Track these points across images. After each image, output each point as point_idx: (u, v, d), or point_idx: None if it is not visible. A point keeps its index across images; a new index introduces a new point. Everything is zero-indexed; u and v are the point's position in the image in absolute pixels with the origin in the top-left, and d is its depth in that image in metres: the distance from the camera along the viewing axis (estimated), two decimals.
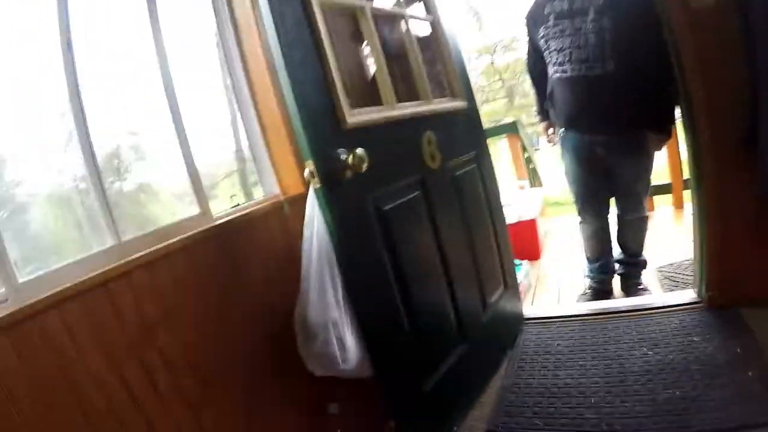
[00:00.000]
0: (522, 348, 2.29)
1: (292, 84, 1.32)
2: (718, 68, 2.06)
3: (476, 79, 17.03)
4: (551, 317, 2.53)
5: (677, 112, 2.31)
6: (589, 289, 2.77)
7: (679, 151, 3.88)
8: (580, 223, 2.71)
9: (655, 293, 2.65)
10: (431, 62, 2.12)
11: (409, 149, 1.73)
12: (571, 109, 2.34)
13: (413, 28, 2.00)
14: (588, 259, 2.78)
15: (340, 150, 1.37)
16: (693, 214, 2.39)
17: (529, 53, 2.69)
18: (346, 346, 1.44)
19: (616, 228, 2.69)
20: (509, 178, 4.84)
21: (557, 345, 2.26)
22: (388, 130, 1.62)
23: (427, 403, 1.69)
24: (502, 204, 3.45)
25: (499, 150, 4.88)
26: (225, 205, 1.83)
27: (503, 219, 2.40)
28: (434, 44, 2.12)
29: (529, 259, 3.47)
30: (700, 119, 2.13)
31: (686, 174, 4.09)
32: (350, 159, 1.36)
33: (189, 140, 1.57)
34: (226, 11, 1.84)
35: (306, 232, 1.44)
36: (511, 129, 4.81)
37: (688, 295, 2.45)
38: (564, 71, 2.30)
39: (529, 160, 4.80)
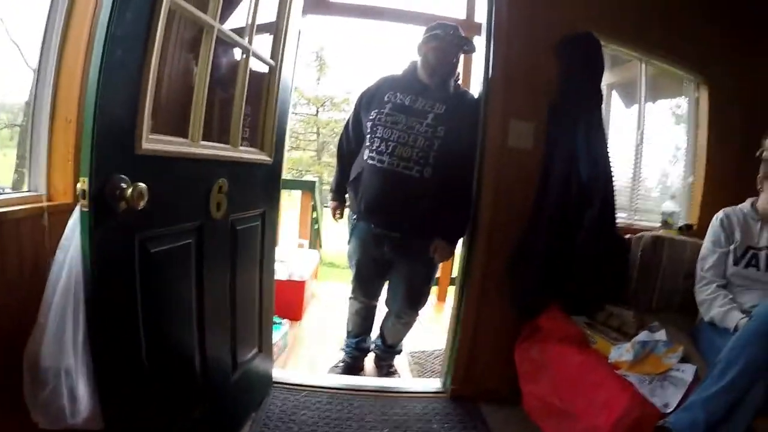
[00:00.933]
0: (267, 412, 2.22)
1: (101, 83, 1.14)
2: (509, 201, 2.44)
3: (295, 124, 17.36)
4: (301, 384, 2.51)
5: None
6: (342, 362, 2.83)
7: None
8: (350, 298, 2.77)
9: (405, 377, 2.83)
10: (255, 106, 2.03)
11: (197, 192, 1.57)
12: (374, 199, 2.32)
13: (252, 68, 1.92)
14: (348, 332, 2.85)
15: (123, 177, 1.20)
16: (452, 314, 2.63)
17: (347, 128, 2.67)
18: (78, 397, 1.24)
19: (383, 317, 2.80)
20: (292, 233, 4.87)
21: (302, 414, 2.24)
22: (182, 167, 1.47)
23: None
24: (277, 260, 3.45)
25: (293, 200, 4.91)
26: None
27: (272, 281, 2.32)
28: (265, 90, 2.03)
29: (291, 319, 3.46)
30: (480, 236, 2.45)
31: (455, 272, 4.55)
32: (129, 191, 1.19)
33: None
34: None
35: (59, 255, 1.23)
36: (309, 187, 4.96)
37: (434, 384, 2.67)
38: (381, 161, 2.28)
39: (315, 221, 4.86)
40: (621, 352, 1.97)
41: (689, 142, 3.20)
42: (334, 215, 2.82)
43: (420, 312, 2.71)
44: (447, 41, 2.33)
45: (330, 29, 17.85)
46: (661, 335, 2.04)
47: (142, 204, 1.20)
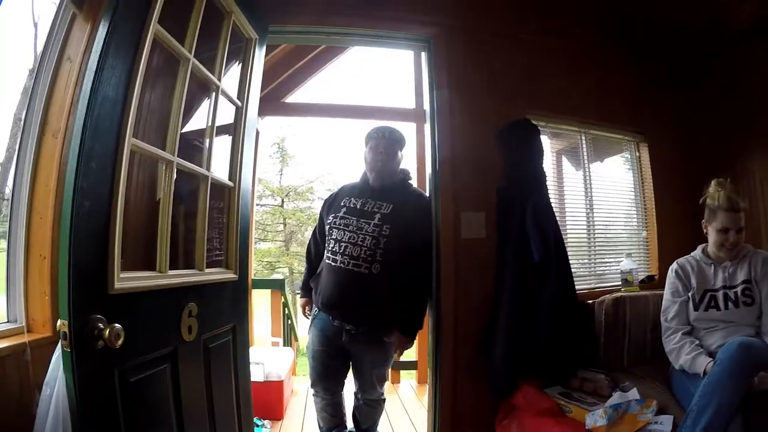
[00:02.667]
0: None
1: (72, 232, 1.25)
2: (467, 290, 2.62)
3: (262, 216, 17.49)
4: None
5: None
6: None
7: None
8: (314, 395, 2.83)
9: None
10: (217, 226, 2.16)
11: (168, 320, 1.66)
12: (330, 295, 2.48)
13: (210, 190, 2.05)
14: (320, 428, 2.89)
15: (99, 317, 1.30)
16: (428, 400, 2.72)
17: (314, 233, 2.89)
18: None
19: (353, 404, 2.88)
20: (265, 330, 4.92)
21: None
22: (153, 299, 1.57)
23: None
24: (252, 362, 3.48)
25: (264, 295, 4.94)
26: None
27: (248, 386, 2.36)
28: (226, 210, 2.17)
29: (273, 419, 3.48)
30: (445, 325, 2.62)
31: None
32: (106, 333, 1.27)
33: None
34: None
35: (45, 391, 1.31)
36: (278, 286, 5.01)
37: None
38: (335, 260, 2.47)
39: (288, 316, 4.91)
40: (595, 418, 2.05)
41: (637, 198, 3.43)
42: (303, 312, 2.93)
43: (384, 392, 2.81)
44: (380, 141, 2.57)
45: (290, 121, 18.07)
46: (633, 394, 2.16)
47: (119, 343, 1.28)
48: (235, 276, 2.15)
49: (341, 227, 2.51)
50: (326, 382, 2.73)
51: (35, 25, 4.43)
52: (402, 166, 2.67)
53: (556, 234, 2.63)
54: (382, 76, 28.06)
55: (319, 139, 26.71)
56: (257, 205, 15.97)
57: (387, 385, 4.59)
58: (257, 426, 3.14)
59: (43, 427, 1.28)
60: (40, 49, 2.02)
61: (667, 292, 2.45)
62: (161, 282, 1.60)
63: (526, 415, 2.32)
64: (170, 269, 1.67)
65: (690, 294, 2.35)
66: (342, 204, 2.60)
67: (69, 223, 1.26)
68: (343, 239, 2.48)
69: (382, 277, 2.41)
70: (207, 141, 1.98)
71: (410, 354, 4.88)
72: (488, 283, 2.61)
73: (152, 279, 1.58)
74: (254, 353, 3.87)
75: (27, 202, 1.87)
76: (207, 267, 1.94)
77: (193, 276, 1.83)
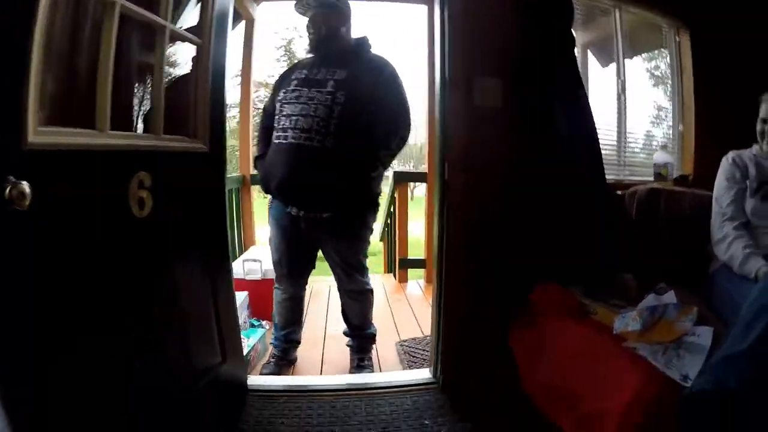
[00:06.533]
0: (244, 425, 2.03)
1: None
2: (482, 167, 2.24)
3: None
4: (279, 390, 2.32)
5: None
6: (273, 357, 2.67)
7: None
8: (275, 288, 2.64)
9: (394, 369, 2.66)
10: (184, 90, 1.81)
11: (110, 189, 1.33)
12: (280, 177, 2.27)
13: (177, 48, 1.74)
14: (275, 325, 2.71)
15: (9, 178, 0.97)
16: (433, 294, 2.44)
17: (264, 108, 2.61)
18: None
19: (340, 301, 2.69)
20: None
21: (281, 423, 2.05)
22: (88, 161, 1.23)
23: None
24: (250, 259, 3.24)
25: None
26: None
27: (230, 282, 2.11)
28: (194, 72, 1.82)
29: (270, 320, 3.23)
30: (454, 207, 2.28)
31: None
32: (9, 192, 0.96)
33: None
34: None
35: None
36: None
37: (424, 374, 2.49)
38: (285, 137, 2.26)
39: None
40: (627, 321, 1.75)
41: (674, 90, 3.08)
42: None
43: (368, 282, 2.63)
44: (308, 10, 2.36)
45: (296, 22, 17.10)
46: (669, 297, 1.83)
47: (25, 204, 0.98)
48: (204, 147, 1.81)
49: (292, 101, 2.29)
50: (291, 274, 2.57)
51: None
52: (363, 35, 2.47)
53: (585, 109, 2.29)
54: None
55: None
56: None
57: (393, 283, 4.53)
58: (253, 326, 2.93)
59: None
60: None
61: (720, 179, 2.10)
62: (98, 141, 1.25)
63: (543, 314, 2.06)
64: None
65: (747, 182, 2.02)
66: (293, 77, 2.37)
67: None
68: (294, 112, 2.25)
69: (337, 152, 2.21)
70: None
71: (418, 251, 4.67)
72: (505, 160, 2.24)
73: (88, 137, 1.23)
74: (254, 252, 3.73)
75: None
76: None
77: (144, 140, 1.49)
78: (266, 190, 2.43)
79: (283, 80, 2.42)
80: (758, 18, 2.56)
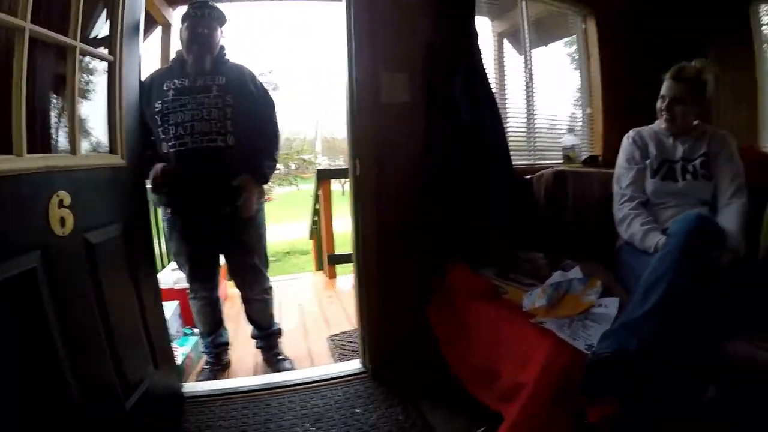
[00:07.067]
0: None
1: None
2: (394, 161, 2.40)
3: None
4: (214, 394, 2.37)
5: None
6: (207, 364, 2.74)
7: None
8: (190, 298, 2.70)
9: (326, 363, 2.74)
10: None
11: (29, 211, 1.32)
12: (192, 178, 2.32)
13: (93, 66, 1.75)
14: (200, 334, 2.78)
15: None
16: (355, 286, 2.58)
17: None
18: None
19: (245, 310, 2.79)
20: None
21: (219, 426, 2.11)
22: (5, 186, 1.22)
23: None
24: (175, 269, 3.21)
25: None
26: None
27: (155, 291, 2.13)
28: (109, 88, 1.83)
29: None
30: (367, 198, 2.41)
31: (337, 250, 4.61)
32: None
33: None
34: None
35: None
36: None
37: (354, 365, 2.59)
38: (184, 143, 2.29)
39: None
40: (533, 298, 1.88)
41: (582, 74, 3.22)
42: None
43: (267, 283, 2.73)
44: (201, 19, 2.38)
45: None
46: (575, 272, 1.95)
47: None
48: (122, 161, 1.83)
49: (177, 110, 2.30)
50: (204, 278, 2.62)
51: None
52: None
53: (489, 99, 2.44)
54: None
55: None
56: None
57: (323, 279, 4.65)
58: (185, 335, 2.93)
59: None
60: None
61: (621, 159, 2.26)
62: (15, 166, 1.25)
63: (459, 298, 2.18)
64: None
65: (647, 162, 2.17)
66: (165, 88, 2.35)
67: None
68: (186, 120, 2.29)
69: (238, 148, 2.34)
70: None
71: (346, 247, 4.78)
72: (416, 153, 2.40)
73: (4, 162, 1.23)
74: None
75: None
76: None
77: (62, 160, 1.49)
78: (168, 197, 2.39)
79: (150, 93, 2.34)
80: (658, 3, 2.80)
